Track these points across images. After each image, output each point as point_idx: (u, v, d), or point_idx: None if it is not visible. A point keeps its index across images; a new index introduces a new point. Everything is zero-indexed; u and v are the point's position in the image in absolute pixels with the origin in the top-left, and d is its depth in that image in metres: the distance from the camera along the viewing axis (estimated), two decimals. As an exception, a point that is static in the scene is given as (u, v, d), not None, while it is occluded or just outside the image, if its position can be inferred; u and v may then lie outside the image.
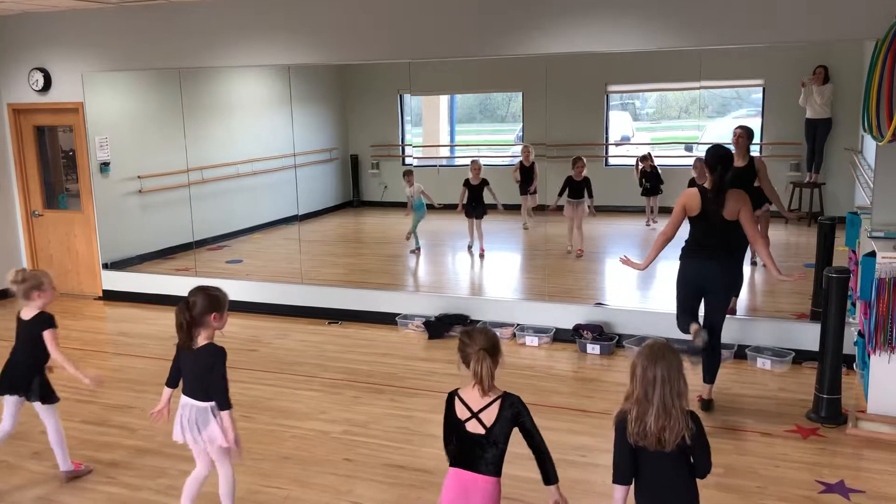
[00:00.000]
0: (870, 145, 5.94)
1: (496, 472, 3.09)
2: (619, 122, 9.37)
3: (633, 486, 3.05)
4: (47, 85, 8.54)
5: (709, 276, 5.18)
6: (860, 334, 5.64)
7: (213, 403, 3.77)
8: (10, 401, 4.59)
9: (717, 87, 8.19)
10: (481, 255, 9.05)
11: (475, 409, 3.07)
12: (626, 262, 5.40)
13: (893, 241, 5.10)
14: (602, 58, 6.86)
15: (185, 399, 3.84)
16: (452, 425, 3.12)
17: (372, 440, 5.07)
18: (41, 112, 8.79)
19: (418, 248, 9.38)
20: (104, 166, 8.62)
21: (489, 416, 3.06)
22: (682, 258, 5.30)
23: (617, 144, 9.29)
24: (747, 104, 8.68)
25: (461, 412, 3.10)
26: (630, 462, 2.98)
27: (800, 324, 6.40)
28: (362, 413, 5.53)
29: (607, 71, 8.41)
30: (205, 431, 3.78)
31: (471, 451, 3.08)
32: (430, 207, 9.13)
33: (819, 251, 6.40)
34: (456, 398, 3.13)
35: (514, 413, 3.09)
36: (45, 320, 4.49)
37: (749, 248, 6.32)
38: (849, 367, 5.86)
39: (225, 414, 3.76)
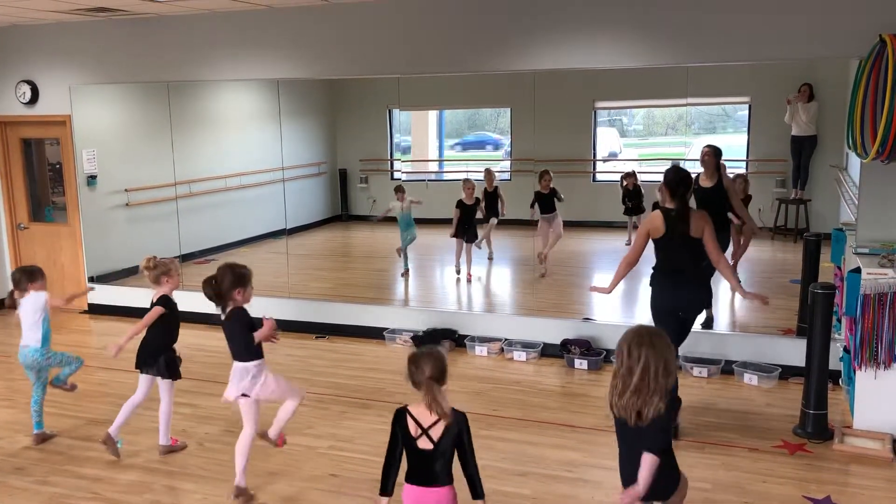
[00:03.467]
0: (855, 162, 6.00)
1: (448, 480, 3.26)
2: (606, 139, 9.41)
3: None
4: (34, 97, 8.51)
5: (684, 303, 5.17)
6: (846, 350, 5.67)
7: (255, 362, 4.36)
8: (143, 377, 5.08)
9: (703, 104, 8.25)
10: (469, 280, 8.90)
11: (425, 426, 3.20)
12: (593, 289, 5.76)
13: (878, 258, 5.14)
14: (590, 74, 6.91)
15: (235, 363, 4.40)
16: (404, 440, 3.25)
17: (358, 455, 5.04)
18: (28, 124, 8.75)
19: (407, 271, 9.17)
20: (91, 179, 8.59)
21: (437, 432, 3.21)
22: (653, 284, 5.26)
23: (604, 160, 9.33)
24: (733, 121, 8.75)
25: (413, 429, 3.22)
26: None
27: (786, 339, 6.43)
28: (349, 428, 5.50)
29: (595, 87, 8.46)
30: (255, 387, 4.35)
31: (422, 466, 3.24)
32: (419, 221, 9.04)
33: (805, 267, 6.44)
34: (407, 414, 3.24)
35: (458, 431, 3.23)
36: (159, 301, 5.03)
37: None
38: (835, 383, 5.88)
39: (258, 334, 4.36)
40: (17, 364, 7.09)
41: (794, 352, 6.07)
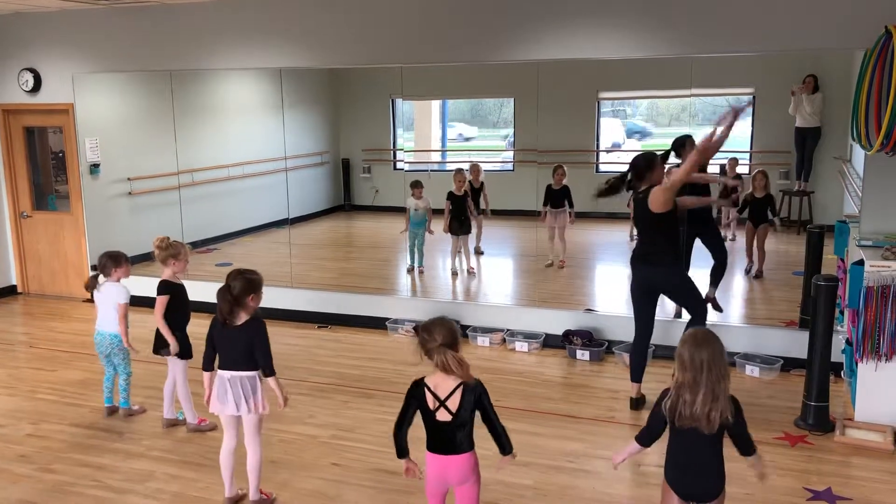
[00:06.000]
0: (859, 154, 5.98)
1: (469, 447, 3.35)
2: (610, 129, 9.39)
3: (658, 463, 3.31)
4: (37, 85, 8.50)
5: (653, 278, 5.38)
6: (848, 342, 5.67)
7: (258, 372, 4.16)
8: (168, 360, 5.27)
9: (707, 94, 8.21)
10: (470, 273, 8.76)
11: (442, 397, 3.28)
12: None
13: (882, 250, 5.13)
14: (594, 64, 6.87)
15: (228, 373, 4.16)
16: (423, 413, 3.33)
17: (360, 445, 5.05)
18: (31, 113, 8.75)
19: (413, 268, 8.86)
20: (94, 168, 8.59)
21: (454, 403, 3.28)
22: (631, 262, 5.50)
23: (608, 151, 9.31)
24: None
25: (431, 402, 3.30)
26: (659, 435, 3.23)
27: (788, 331, 6.42)
28: (351, 418, 5.51)
29: (599, 78, 8.43)
30: (253, 397, 4.14)
31: (443, 436, 3.33)
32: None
33: (808, 259, 6.43)
34: (425, 388, 3.33)
35: (476, 397, 3.32)
36: (160, 288, 5.15)
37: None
38: (837, 375, 5.88)
39: (272, 379, 4.17)
40: (19, 352, 7.15)
41: (796, 344, 6.07)
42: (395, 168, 10.25)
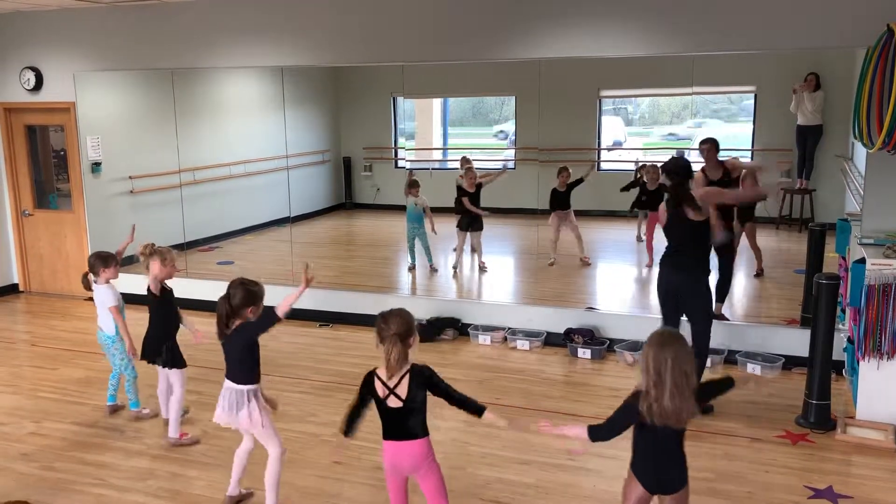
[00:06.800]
0: (860, 152, 5.97)
1: (422, 434, 3.43)
2: (611, 127, 9.38)
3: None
4: (39, 84, 8.51)
5: (676, 282, 5.34)
6: (850, 340, 5.66)
7: (248, 387, 4.03)
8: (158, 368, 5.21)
9: (709, 92, 8.21)
10: (482, 268, 8.73)
11: (391, 386, 3.36)
12: None
13: (883, 248, 5.12)
14: (595, 63, 6.87)
15: (227, 383, 4.08)
16: (376, 401, 3.41)
17: (361, 443, 5.03)
18: (32, 111, 8.75)
19: (413, 267, 8.96)
20: (95, 166, 8.59)
21: (402, 390, 3.35)
22: (659, 265, 5.52)
23: (609, 149, 9.30)
24: (739, 110, 8.71)
25: (381, 390, 3.38)
26: (621, 430, 3.25)
27: (790, 330, 6.42)
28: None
29: (600, 76, 8.42)
30: (241, 412, 4.02)
31: (395, 423, 3.41)
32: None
33: (809, 257, 6.42)
34: (375, 377, 3.41)
35: (425, 380, 3.38)
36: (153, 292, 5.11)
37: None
38: (838, 373, 5.88)
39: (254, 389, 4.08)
40: (21, 350, 7.16)
41: (797, 342, 6.06)
42: (396, 166, 10.25)
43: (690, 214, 5.15)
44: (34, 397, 5.97)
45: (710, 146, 6.49)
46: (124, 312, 5.46)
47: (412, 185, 8.66)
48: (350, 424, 3.53)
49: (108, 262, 5.38)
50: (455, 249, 8.77)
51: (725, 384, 3.43)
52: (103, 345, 5.49)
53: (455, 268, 8.84)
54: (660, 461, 3.24)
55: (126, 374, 5.50)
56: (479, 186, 8.45)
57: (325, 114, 10.32)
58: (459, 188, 8.46)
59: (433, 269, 8.78)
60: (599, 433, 3.28)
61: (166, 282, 5.19)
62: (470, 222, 8.50)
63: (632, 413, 3.17)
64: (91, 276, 5.42)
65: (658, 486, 3.26)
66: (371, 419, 4.88)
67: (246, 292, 4.01)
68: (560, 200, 8.30)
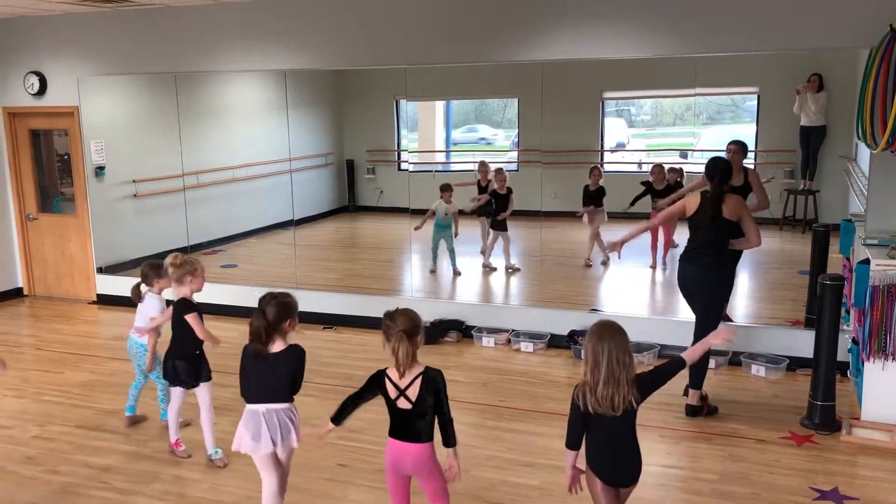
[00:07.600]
0: (864, 153, 5.96)
1: (427, 438, 3.42)
2: (614, 129, 9.37)
3: (583, 450, 3.37)
4: (43, 88, 8.53)
5: (694, 278, 5.33)
6: (854, 341, 5.65)
7: (292, 404, 3.87)
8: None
9: (712, 94, 8.20)
10: (510, 271, 8.72)
11: (402, 387, 3.38)
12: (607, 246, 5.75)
13: (887, 249, 5.11)
14: (598, 64, 6.87)
15: (262, 406, 3.80)
16: (386, 401, 3.44)
17: (366, 446, 5.06)
18: (36, 116, 8.78)
19: (435, 269, 8.90)
20: (99, 170, 8.61)
21: (413, 392, 3.37)
22: (679, 261, 5.48)
23: (612, 151, 9.30)
24: (742, 111, 8.70)
25: (391, 391, 3.40)
26: (581, 431, 3.31)
27: (794, 331, 6.41)
28: (357, 419, 5.45)
29: (603, 77, 8.42)
30: (291, 435, 3.83)
31: (404, 423, 3.42)
32: (423, 211, 8.85)
33: (813, 258, 6.41)
34: (386, 378, 3.43)
35: (435, 388, 3.39)
36: (184, 305, 4.77)
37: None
38: (843, 375, 5.87)
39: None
40: (26, 354, 7.17)
41: (802, 343, 6.05)
42: (399, 169, 10.26)
43: (726, 213, 5.16)
44: (39, 401, 5.98)
45: (736, 147, 6.33)
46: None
47: (445, 189, 8.69)
48: (341, 413, 3.60)
49: (161, 273, 5.14)
50: (482, 251, 8.89)
51: (674, 364, 3.38)
52: (135, 353, 5.30)
53: (486, 266, 8.89)
54: (615, 455, 3.30)
55: (158, 382, 5.32)
56: (510, 189, 8.58)
57: (328, 117, 10.33)
58: (494, 192, 8.57)
59: (457, 273, 8.81)
60: (568, 440, 3.35)
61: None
62: (499, 223, 8.61)
63: (575, 409, 3.27)
64: (143, 287, 5.25)
65: (615, 480, 3.31)
66: (378, 421, 4.87)
67: (280, 306, 3.80)
68: (591, 197, 8.39)
